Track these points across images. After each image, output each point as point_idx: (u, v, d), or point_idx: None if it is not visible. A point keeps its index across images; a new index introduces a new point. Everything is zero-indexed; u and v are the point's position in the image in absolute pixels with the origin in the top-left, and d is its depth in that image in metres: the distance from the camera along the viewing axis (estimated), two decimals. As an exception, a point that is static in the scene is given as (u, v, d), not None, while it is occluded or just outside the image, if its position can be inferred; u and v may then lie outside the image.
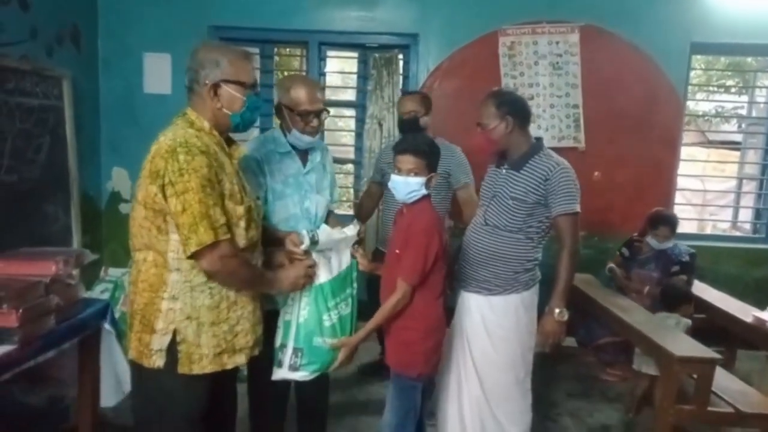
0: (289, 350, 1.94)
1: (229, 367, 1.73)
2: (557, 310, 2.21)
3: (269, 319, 1.95)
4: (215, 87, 1.68)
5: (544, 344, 2.27)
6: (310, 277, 1.91)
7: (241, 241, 1.69)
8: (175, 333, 1.63)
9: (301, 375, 1.95)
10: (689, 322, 3.02)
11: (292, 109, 2.10)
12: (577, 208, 2.22)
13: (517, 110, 2.27)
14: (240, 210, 1.67)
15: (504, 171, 2.31)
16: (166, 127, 1.70)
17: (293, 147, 2.19)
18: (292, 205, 2.17)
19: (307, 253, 1.93)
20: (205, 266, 1.60)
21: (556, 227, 2.25)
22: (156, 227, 1.60)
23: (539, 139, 2.35)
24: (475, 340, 2.32)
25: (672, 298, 3.16)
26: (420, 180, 1.97)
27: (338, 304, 1.98)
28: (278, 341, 1.98)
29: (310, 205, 2.21)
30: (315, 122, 2.13)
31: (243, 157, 2.02)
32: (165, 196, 1.55)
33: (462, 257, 2.40)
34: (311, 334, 1.92)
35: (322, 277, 1.95)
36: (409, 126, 2.98)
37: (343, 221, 2.31)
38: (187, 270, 1.62)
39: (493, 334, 2.29)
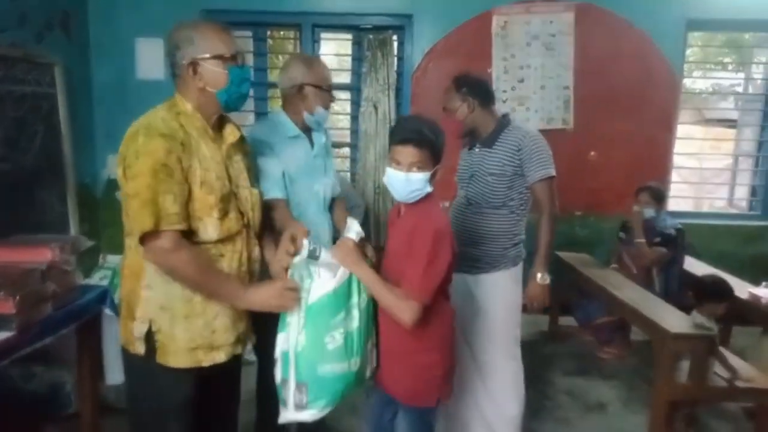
0: (292, 386, 1.60)
1: (206, 364, 1.66)
2: (539, 275, 2.29)
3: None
4: (193, 65, 1.59)
5: (530, 308, 2.35)
6: (287, 302, 1.60)
7: (213, 231, 1.59)
8: (151, 323, 1.60)
9: (310, 414, 1.61)
10: (706, 322, 2.65)
11: (319, 86, 2.10)
12: (552, 172, 2.28)
13: (477, 91, 2.34)
14: (211, 199, 1.57)
15: (477, 150, 2.38)
16: None
17: (302, 130, 2.17)
18: (302, 190, 2.14)
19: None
20: (147, 256, 1.52)
21: (534, 194, 2.32)
22: (126, 212, 1.56)
23: (506, 115, 2.41)
24: (465, 319, 2.36)
25: (707, 290, 2.77)
26: (424, 176, 1.64)
27: (344, 319, 1.62)
28: (278, 377, 1.65)
29: (319, 188, 2.19)
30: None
31: (256, 142, 2.01)
32: (126, 179, 1.51)
33: None
34: (314, 363, 1.58)
35: (322, 289, 1.59)
36: None
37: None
38: None
39: (482, 311, 2.34)
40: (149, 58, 3.89)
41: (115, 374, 2.48)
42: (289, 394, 1.61)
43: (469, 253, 2.33)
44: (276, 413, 2.22)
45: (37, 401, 2.66)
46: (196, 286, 1.58)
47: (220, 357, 1.69)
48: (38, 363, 2.64)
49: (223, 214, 1.61)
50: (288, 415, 1.63)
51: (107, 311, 2.44)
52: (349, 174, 4.32)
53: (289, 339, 1.61)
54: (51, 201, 3.40)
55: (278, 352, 1.65)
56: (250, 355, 2.36)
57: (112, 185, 4.07)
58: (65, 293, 2.20)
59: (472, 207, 2.36)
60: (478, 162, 2.35)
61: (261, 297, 1.60)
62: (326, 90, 2.14)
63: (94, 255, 3.56)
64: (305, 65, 2.13)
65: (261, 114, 4.22)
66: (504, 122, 2.36)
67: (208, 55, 1.59)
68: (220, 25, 1.68)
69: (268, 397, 2.28)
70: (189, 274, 1.54)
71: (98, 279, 3.22)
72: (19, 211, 3.11)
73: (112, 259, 3.46)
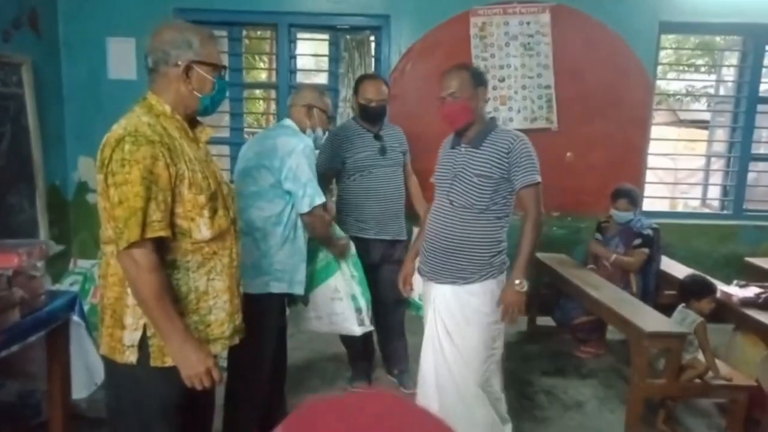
0: (364, 310, 2.54)
1: None
2: (517, 281, 2.19)
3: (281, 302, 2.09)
4: (187, 68, 1.62)
5: (505, 315, 2.23)
6: (204, 382, 1.60)
7: (206, 231, 1.62)
8: (145, 328, 1.59)
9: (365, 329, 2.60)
10: (697, 318, 2.75)
11: (323, 109, 2.45)
12: (539, 178, 2.21)
13: (484, 82, 2.29)
14: (201, 199, 1.60)
15: (463, 149, 2.27)
16: None
17: None
18: None
19: None
20: (123, 266, 1.52)
21: (520, 200, 2.24)
22: (113, 217, 1.55)
23: (493, 118, 2.40)
24: (457, 332, 2.25)
25: (689, 290, 2.90)
26: None
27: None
28: (351, 307, 2.52)
29: None
30: None
31: (309, 149, 2.29)
32: (107, 185, 1.51)
33: (429, 247, 2.33)
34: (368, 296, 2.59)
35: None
36: (377, 114, 2.96)
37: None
38: None
39: (474, 322, 2.23)
40: (121, 58, 3.81)
41: (80, 388, 2.44)
42: (364, 316, 2.55)
43: (454, 262, 2.25)
44: (244, 420, 2.29)
45: (5, 410, 2.59)
46: (146, 304, 1.53)
47: (216, 349, 1.71)
48: (7, 371, 2.57)
49: (213, 212, 1.64)
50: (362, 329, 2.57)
51: (75, 318, 2.38)
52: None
53: (349, 287, 2.54)
54: (20, 204, 3.32)
55: (344, 294, 2.52)
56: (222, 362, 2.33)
57: (83, 188, 3.98)
58: (33, 299, 2.16)
59: (455, 209, 2.25)
60: (463, 162, 2.24)
61: (192, 359, 1.57)
62: (329, 117, 2.54)
63: (64, 259, 3.47)
64: (318, 90, 2.55)
65: (236, 115, 4.18)
66: (492, 123, 2.30)
67: (204, 62, 1.64)
68: (212, 33, 1.74)
69: (237, 403, 2.31)
70: (148, 287, 1.51)
71: (68, 284, 3.13)
72: (-15, 215, 3.02)
73: (83, 264, 3.37)
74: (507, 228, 2.32)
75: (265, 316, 2.25)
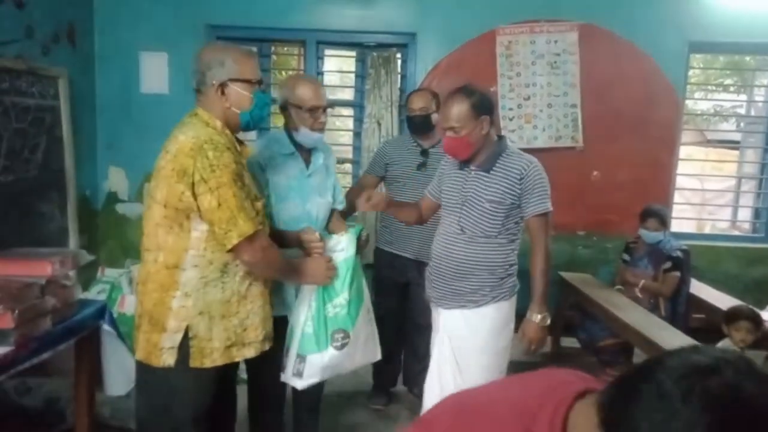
0: (293, 356, 2.00)
1: (238, 359, 1.78)
2: (539, 316, 2.11)
3: (278, 325, 1.96)
4: (222, 86, 1.70)
5: (527, 350, 2.17)
6: (332, 270, 1.95)
7: None
8: (187, 329, 1.65)
9: (302, 384, 2.02)
10: (728, 344, 2.81)
11: (300, 107, 2.10)
12: (550, 206, 2.14)
13: (489, 108, 2.13)
14: (258, 206, 1.72)
15: (472, 173, 2.18)
16: (164, 126, 1.72)
17: (297, 148, 2.19)
18: (293, 207, 2.17)
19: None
20: (246, 258, 1.66)
21: (528, 227, 2.16)
22: (178, 224, 1.63)
23: (502, 137, 2.25)
24: (466, 361, 2.15)
25: (727, 316, 2.95)
26: None
27: (339, 296, 2.01)
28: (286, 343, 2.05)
29: (311, 207, 2.22)
30: (323, 118, 2.16)
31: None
32: (194, 194, 1.57)
33: (435, 272, 2.25)
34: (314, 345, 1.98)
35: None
36: (421, 124, 2.89)
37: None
38: (204, 266, 1.66)
39: (484, 348, 2.16)
40: (153, 72, 3.88)
41: (116, 385, 2.47)
42: (290, 361, 2.02)
43: (463, 287, 2.16)
44: (269, 424, 2.33)
45: (31, 416, 2.62)
46: (282, 273, 1.85)
47: (250, 352, 1.80)
48: (34, 377, 2.61)
49: (263, 220, 1.75)
50: (284, 377, 2.06)
51: (106, 327, 2.41)
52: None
53: (298, 319, 2.00)
54: (52, 213, 3.38)
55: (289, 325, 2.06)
56: (244, 374, 2.34)
57: (112, 197, 4.05)
58: (64, 308, 2.19)
59: (466, 236, 2.16)
60: (473, 187, 2.15)
61: (316, 269, 1.91)
62: (310, 110, 2.10)
63: (93, 268, 3.53)
64: (290, 85, 2.17)
65: (264, 129, 4.22)
66: (503, 145, 2.18)
67: (237, 78, 1.71)
68: (248, 50, 1.82)
69: (262, 412, 2.31)
70: (280, 264, 1.79)
71: (95, 293, 3.18)
72: (19, 223, 3.09)
73: (111, 273, 3.43)
74: (518, 250, 2.24)
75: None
